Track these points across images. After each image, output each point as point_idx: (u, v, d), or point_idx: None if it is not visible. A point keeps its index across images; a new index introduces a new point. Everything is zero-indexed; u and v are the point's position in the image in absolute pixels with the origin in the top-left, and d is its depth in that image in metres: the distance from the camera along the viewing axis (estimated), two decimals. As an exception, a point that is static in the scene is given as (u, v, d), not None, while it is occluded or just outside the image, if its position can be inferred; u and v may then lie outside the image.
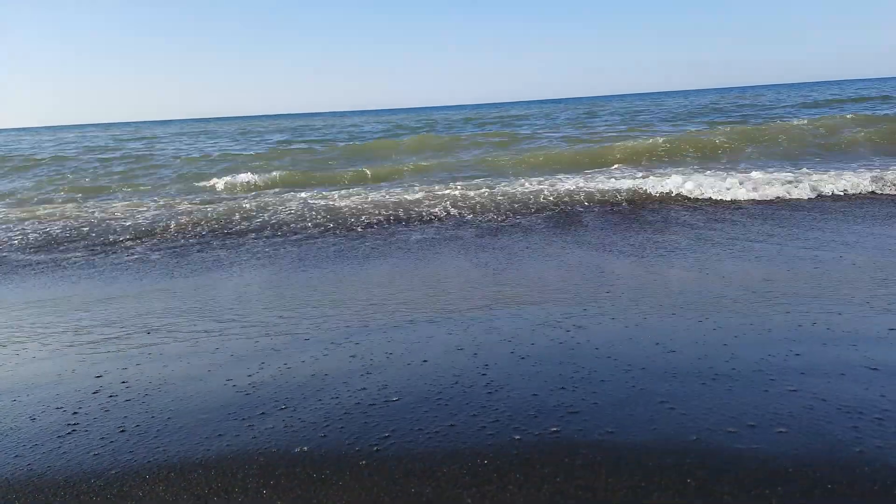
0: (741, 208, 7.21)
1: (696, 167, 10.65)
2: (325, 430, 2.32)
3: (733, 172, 9.53)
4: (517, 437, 2.16)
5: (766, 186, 8.00)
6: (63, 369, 3.16)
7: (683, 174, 9.21)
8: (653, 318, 3.44)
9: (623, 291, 4.04)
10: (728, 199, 7.78)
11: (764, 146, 12.69)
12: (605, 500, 1.77)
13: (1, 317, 4.37)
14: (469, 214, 7.65)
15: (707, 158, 12.06)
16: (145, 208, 9.29)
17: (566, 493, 1.82)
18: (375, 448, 2.16)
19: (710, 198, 7.89)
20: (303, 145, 20.97)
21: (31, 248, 7.07)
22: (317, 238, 6.91)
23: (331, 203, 8.77)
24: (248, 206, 8.93)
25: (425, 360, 2.99)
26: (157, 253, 6.54)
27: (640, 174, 10.05)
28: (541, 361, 2.89)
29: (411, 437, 2.22)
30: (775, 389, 2.43)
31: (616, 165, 11.69)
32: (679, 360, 2.81)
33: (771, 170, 9.72)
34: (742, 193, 7.85)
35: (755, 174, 8.96)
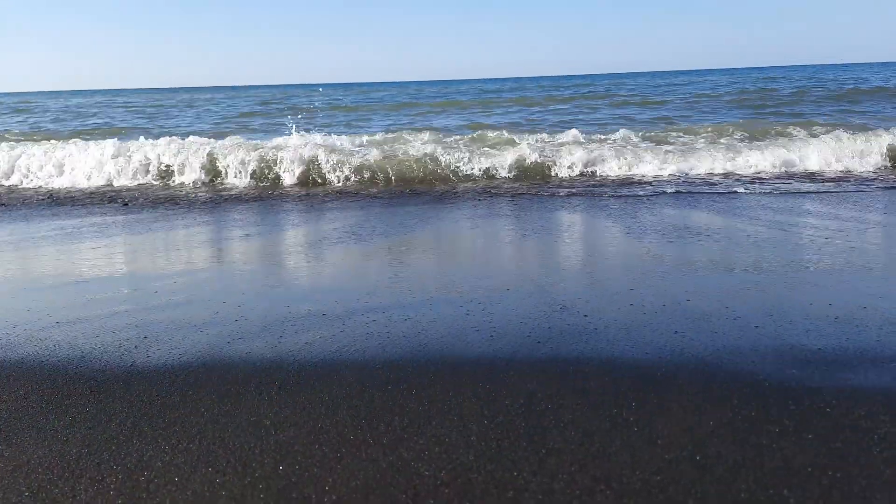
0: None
1: None
2: (342, 414, 2.34)
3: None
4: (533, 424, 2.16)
5: None
6: (85, 337, 3.21)
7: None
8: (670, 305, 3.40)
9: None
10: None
11: None
12: (623, 492, 1.77)
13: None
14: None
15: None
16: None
17: (586, 487, 1.82)
18: (390, 430, 2.17)
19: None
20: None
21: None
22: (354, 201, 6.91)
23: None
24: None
25: (443, 337, 2.99)
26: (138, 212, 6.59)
27: None
28: (558, 347, 2.88)
29: (424, 417, 2.24)
30: (797, 384, 2.40)
31: None
32: (698, 348, 2.78)
33: None
34: None
35: None
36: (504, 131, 11.28)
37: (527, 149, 9.22)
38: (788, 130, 10.67)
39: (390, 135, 11.02)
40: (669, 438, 2.02)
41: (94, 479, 1.90)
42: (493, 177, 8.58)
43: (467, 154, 8.88)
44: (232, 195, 8.36)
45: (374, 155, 9.01)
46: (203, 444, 2.11)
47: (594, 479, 1.81)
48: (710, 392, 2.35)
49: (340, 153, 9.10)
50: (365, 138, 10.58)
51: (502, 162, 8.73)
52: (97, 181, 9.46)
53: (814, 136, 9.81)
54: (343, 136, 11.03)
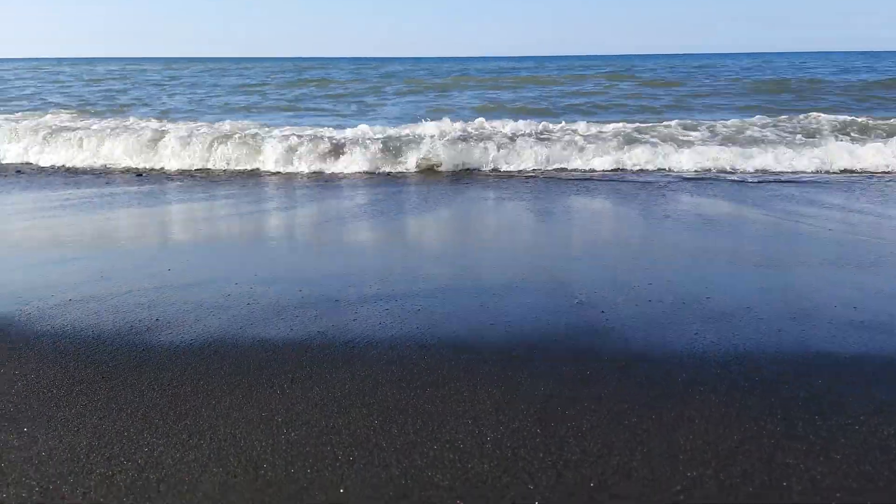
0: None
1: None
2: (355, 413, 2.30)
3: None
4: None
5: None
6: (98, 316, 3.18)
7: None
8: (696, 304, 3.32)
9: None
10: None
11: None
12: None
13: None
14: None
15: None
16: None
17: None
18: (403, 433, 2.13)
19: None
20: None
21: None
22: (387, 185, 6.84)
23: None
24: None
25: (455, 333, 2.94)
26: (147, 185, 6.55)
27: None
28: (574, 346, 2.82)
29: (437, 420, 2.19)
30: (823, 397, 2.33)
31: None
32: (719, 352, 2.71)
33: None
34: None
35: None
36: (521, 121, 10.54)
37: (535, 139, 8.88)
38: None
39: (407, 127, 10.30)
40: (691, 453, 1.96)
41: (105, 476, 1.88)
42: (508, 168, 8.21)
43: (490, 145, 8.44)
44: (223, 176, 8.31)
45: (386, 140, 8.67)
46: (214, 440, 2.07)
47: (614, 497, 1.76)
48: (734, 402, 2.29)
49: (355, 140, 8.78)
50: (381, 129, 10.02)
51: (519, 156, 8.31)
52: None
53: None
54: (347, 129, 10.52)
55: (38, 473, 1.89)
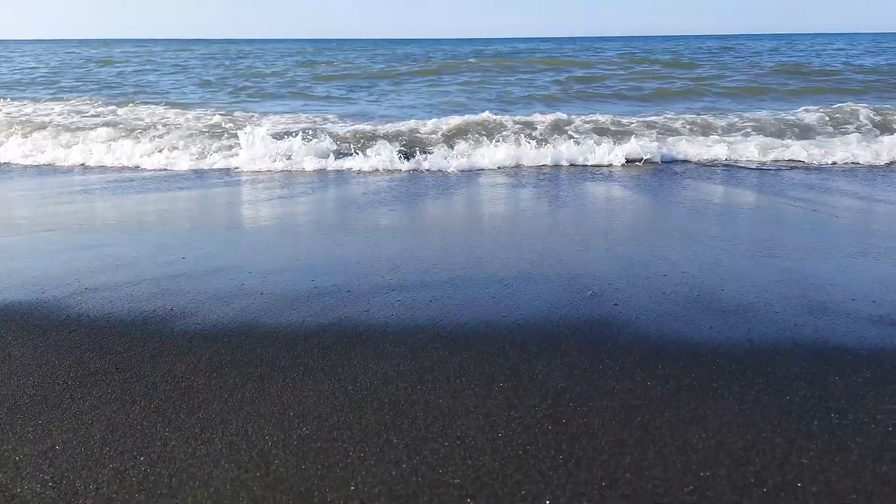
0: None
1: None
2: (366, 408, 2.30)
3: None
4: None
5: None
6: (112, 306, 3.21)
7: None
8: (724, 291, 3.27)
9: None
10: None
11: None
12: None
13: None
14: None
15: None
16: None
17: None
18: (414, 429, 2.13)
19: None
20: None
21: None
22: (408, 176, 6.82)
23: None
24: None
25: (465, 324, 2.93)
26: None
27: None
28: (587, 339, 2.79)
29: (449, 416, 2.18)
30: (840, 395, 2.29)
31: None
32: (734, 347, 2.68)
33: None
34: None
35: None
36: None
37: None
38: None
39: (412, 120, 9.92)
40: (705, 453, 1.94)
41: (117, 471, 1.89)
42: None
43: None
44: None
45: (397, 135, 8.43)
46: (226, 435, 2.09)
47: (625, 497, 1.74)
48: (748, 399, 2.26)
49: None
50: (386, 124, 9.71)
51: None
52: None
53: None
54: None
55: (51, 468, 1.92)
